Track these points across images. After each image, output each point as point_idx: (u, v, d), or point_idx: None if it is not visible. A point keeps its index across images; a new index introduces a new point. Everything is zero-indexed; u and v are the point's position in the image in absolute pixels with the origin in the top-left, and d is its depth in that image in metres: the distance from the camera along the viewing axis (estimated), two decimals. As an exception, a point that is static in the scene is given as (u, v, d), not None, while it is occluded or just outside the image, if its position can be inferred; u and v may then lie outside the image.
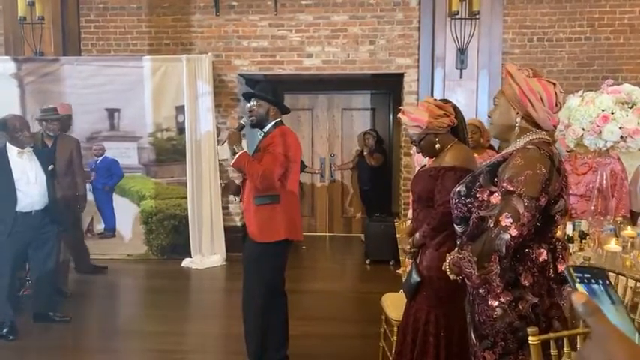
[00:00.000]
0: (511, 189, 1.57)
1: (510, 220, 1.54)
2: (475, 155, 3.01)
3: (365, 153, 6.53)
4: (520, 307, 1.66)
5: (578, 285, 0.69)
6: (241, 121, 3.05)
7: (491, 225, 1.58)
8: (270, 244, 2.86)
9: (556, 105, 1.68)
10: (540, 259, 1.66)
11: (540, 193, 1.57)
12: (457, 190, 1.78)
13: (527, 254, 1.66)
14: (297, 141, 2.99)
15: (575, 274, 0.69)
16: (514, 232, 1.54)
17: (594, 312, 0.62)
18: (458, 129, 2.29)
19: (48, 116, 4.44)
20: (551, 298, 1.67)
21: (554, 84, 1.69)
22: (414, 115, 2.25)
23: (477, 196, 1.68)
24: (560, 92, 1.70)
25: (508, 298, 1.66)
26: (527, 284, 1.65)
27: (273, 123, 2.92)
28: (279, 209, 2.86)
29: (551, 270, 1.67)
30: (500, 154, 1.77)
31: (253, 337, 2.96)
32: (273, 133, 2.88)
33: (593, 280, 0.69)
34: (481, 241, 1.62)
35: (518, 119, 1.70)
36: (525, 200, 1.55)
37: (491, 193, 1.65)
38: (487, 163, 1.79)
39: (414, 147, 5.13)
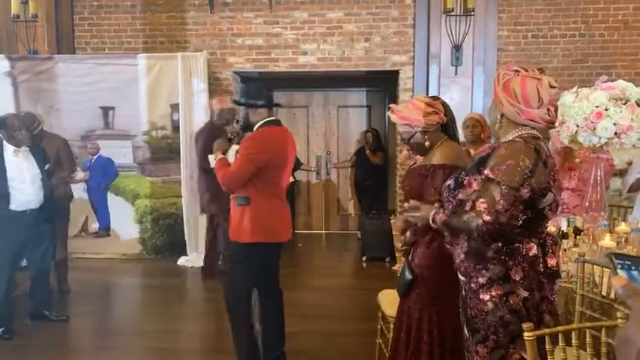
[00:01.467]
0: (491, 176, 1.61)
1: (485, 205, 1.58)
2: (472, 150, 3.00)
3: (367, 151, 6.53)
4: (511, 301, 1.68)
5: (619, 271, 0.74)
6: (228, 130, 3.09)
7: (468, 208, 1.62)
8: (240, 246, 2.86)
9: (539, 100, 1.68)
10: (530, 254, 1.68)
11: (521, 184, 1.59)
12: (447, 184, 1.82)
13: (517, 249, 1.68)
14: (275, 141, 2.86)
15: (617, 261, 0.75)
16: (487, 218, 1.57)
17: (634, 293, 0.67)
18: (447, 126, 2.27)
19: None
20: (542, 292, 1.69)
21: (538, 79, 1.70)
22: (403, 114, 2.25)
23: (464, 183, 1.72)
24: (552, 87, 1.71)
25: (499, 293, 1.68)
26: (517, 279, 1.67)
27: (260, 124, 2.86)
28: (247, 212, 2.82)
29: (540, 264, 1.69)
30: (489, 147, 1.82)
31: (236, 343, 2.97)
32: (248, 136, 2.88)
33: (633, 267, 0.74)
34: (457, 218, 1.66)
35: (499, 116, 1.79)
36: (503, 188, 1.58)
37: (476, 180, 1.68)
38: (478, 155, 1.83)
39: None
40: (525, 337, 1.52)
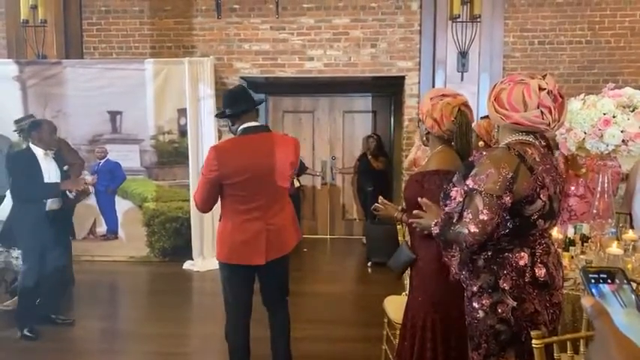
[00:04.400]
0: (473, 186, 1.62)
1: (470, 216, 1.60)
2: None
3: (369, 156, 6.55)
4: (499, 310, 1.69)
5: (589, 288, 0.71)
6: None
7: (455, 220, 1.64)
8: (219, 264, 2.80)
9: (524, 104, 1.66)
10: (521, 263, 1.68)
11: (504, 192, 1.60)
12: (441, 194, 1.82)
13: (506, 258, 1.69)
14: (229, 156, 2.57)
15: (591, 275, 0.72)
16: (472, 229, 1.58)
17: (600, 314, 0.64)
18: (456, 135, 2.16)
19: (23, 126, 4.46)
20: (534, 303, 1.68)
21: (525, 84, 1.68)
22: (422, 101, 2.22)
23: (451, 194, 1.72)
24: (541, 90, 1.65)
25: (488, 301, 1.70)
26: (506, 288, 1.68)
27: (237, 133, 2.72)
28: (219, 229, 2.75)
29: (527, 274, 1.68)
30: (475, 156, 1.81)
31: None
32: None
33: (609, 281, 0.71)
34: (448, 231, 1.68)
35: (496, 125, 1.83)
36: (485, 198, 1.59)
37: (458, 191, 1.70)
38: (464, 163, 1.84)
39: (413, 148, 5.07)
40: (534, 345, 1.52)
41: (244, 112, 2.67)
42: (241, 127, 2.65)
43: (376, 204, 2.33)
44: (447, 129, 2.10)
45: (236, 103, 2.68)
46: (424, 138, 2.22)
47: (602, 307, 0.65)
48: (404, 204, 2.28)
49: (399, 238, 3.21)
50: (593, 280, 0.71)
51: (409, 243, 2.24)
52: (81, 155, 5.51)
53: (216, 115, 2.90)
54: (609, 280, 0.71)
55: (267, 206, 2.65)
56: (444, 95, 2.13)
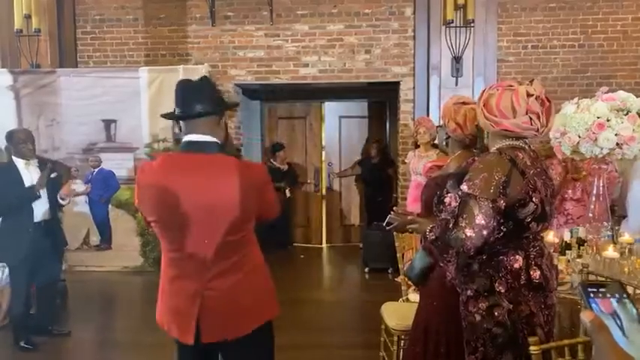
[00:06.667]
0: (468, 191, 1.63)
1: (467, 221, 1.60)
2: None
3: (388, 169, 6.48)
4: (496, 313, 1.69)
5: (588, 302, 0.70)
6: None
7: (451, 225, 1.65)
8: None
9: (513, 110, 1.69)
10: (515, 266, 1.69)
11: (497, 195, 1.61)
12: (435, 200, 1.84)
13: (501, 261, 1.70)
14: (147, 184, 1.79)
15: (590, 289, 0.71)
16: (469, 233, 1.59)
17: (600, 329, 0.65)
18: (480, 140, 2.14)
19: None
20: (530, 305, 1.69)
21: (513, 90, 1.71)
22: (444, 106, 2.23)
23: (445, 200, 1.74)
24: (529, 96, 1.68)
25: (484, 305, 1.71)
26: (502, 291, 1.69)
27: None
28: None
29: (522, 277, 1.69)
30: (467, 163, 1.83)
31: None
32: None
33: (608, 295, 0.70)
34: (443, 236, 1.68)
35: (486, 130, 1.85)
36: (481, 202, 1.60)
37: (453, 197, 1.71)
38: (457, 169, 1.86)
39: (410, 154, 5.06)
40: (531, 351, 1.51)
41: (199, 115, 1.82)
42: (185, 138, 1.84)
43: (390, 216, 2.07)
44: (470, 132, 2.12)
45: (188, 101, 1.86)
46: (443, 143, 2.24)
47: (602, 321, 0.65)
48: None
49: (396, 244, 3.20)
50: (592, 295, 0.70)
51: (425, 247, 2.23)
52: (75, 164, 5.50)
53: (162, 115, 2.04)
54: (608, 295, 0.70)
55: (204, 261, 1.74)
56: (464, 103, 2.17)
